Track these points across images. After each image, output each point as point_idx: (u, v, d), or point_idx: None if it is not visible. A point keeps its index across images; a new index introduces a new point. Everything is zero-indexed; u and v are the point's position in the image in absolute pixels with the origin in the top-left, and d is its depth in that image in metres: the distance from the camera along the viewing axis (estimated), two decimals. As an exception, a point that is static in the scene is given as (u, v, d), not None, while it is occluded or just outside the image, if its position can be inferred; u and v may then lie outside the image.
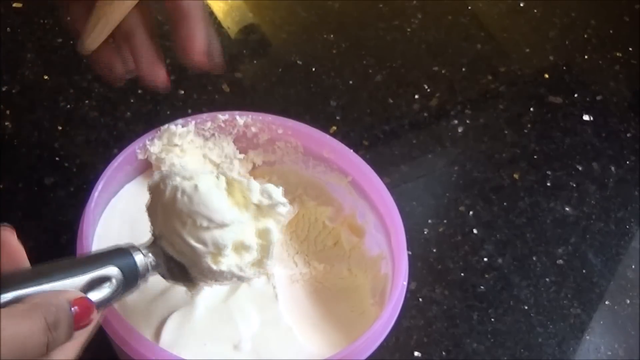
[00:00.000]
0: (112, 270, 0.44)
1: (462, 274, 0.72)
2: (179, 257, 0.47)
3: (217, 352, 0.58)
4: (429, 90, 0.87)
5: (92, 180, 0.60)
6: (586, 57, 0.94)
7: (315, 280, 0.63)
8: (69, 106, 0.78)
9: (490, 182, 0.79)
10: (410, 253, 0.65)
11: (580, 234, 0.77)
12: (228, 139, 0.66)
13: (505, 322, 0.69)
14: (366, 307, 0.62)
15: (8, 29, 0.84)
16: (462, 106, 0.86)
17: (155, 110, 0.79)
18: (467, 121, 0.84)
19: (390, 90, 0.86)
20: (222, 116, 0.65)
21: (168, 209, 0.46)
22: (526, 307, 0.70)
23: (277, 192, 0.48)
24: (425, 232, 0.74)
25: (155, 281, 0.59)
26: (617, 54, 0.95)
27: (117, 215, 0.62)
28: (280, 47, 0.89)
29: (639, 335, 0.70)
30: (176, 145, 0.63)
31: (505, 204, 0.78)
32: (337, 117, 0.81)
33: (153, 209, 0.48)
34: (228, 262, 0.47)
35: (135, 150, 0.62)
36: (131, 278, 0.46)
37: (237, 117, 0.65)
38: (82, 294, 0.40)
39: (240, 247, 0.47)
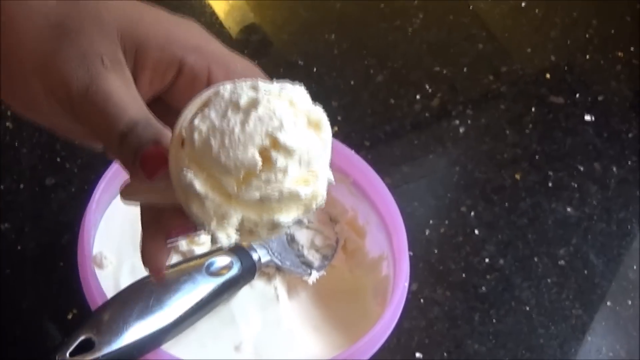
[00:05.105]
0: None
1: (464, 275, 0.72)
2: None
3: (218, 353, 0.58)
4: (430, 90, 0.86)
5: (93, 181, 0.60)
6: (588, 57, 0.94)
7: (316, 282, 0.63)
8: (70, 106, 0.78)
9: (491, 183, 0.79)
10: (411, 254, 0.65)
11: (581, 235, 0.76)
12: (229, 139, 0.66)
13: (507, 323, 0.69)
14: (368, 308, 0.62)
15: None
16: (463, 106, 0.85)
17: (156, 110, 0.79)
18: (469, 121, 0.84)
19: (391, 91, 0.86)
20: (223, 117, 0.64)
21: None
22: (527, 308, 0.70)
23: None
24: (426, 233, 0.74)
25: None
26: (619, 54, 0.94)
27: (118, 217, 0.62)
28: (281, 47, 0.89)
29: (640, 336, 0.70)
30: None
31: (506, 204, 0.78)
32: (339, 118, 0.81)
33: None
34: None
35: (136, 151, 0.62)
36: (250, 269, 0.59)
37: (238, 118, 0.65)
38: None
39: None
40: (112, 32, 0.37)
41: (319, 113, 0.35)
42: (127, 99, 0.36)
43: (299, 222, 0.56)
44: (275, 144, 0.33)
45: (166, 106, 0.40)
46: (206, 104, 0.34)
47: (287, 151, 0.33)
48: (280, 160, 0.33)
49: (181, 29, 0.39)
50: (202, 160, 0.33)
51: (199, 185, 0.33)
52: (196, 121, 0.34)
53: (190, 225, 0.37)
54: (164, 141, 0.35)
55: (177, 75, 0.39)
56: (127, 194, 0.39)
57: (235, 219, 0.34)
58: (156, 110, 0.38)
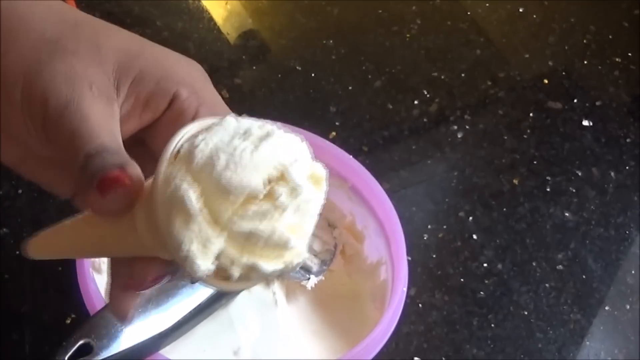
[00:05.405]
0: None
1: (462, 280, 0.72)
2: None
3: (217, 357, 0.58)
4: (428, 95, 0.87)
5: (92, 186, 0.60)
6: (585, 62, 0.94)
7: (315, 286, 0.63)
8: (68, 112, 0.78)
9: (489, 188, 0.79)
10: (410, 259, 0.65)
11: (579, 240, 0.77)
12: (227, 144, 0.66)
13: (505, 328, 0.69)
14: (366, 313, 0.62)
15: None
16: (461, 112, 0.86)
17: (154, 116, 0.79)
18: (467, 127, 0.84)
19: (389, 96, 0.86)
20: (222, 122, 0.65)
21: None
22: (526, 313, 0.70)
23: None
24: (425, 238, 0.74)
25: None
26: (617, 59, 0.95)
27: (116, 221, 0.62)
28: (279, 52, 0.89)
29: (639, 340, 0.70)
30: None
31: (504, 209, 0.78)
32: (337, 123, 0.81)
33: None
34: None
35: (134, 156, 0.62)
36: None
37: (237, 123, 0.65)
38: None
39: None
40: (108, 64, 0.36)
41: (322, 170, 0.33)
42: (104, 128, 0.35)
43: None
44: (284, 177, 0.31)
45: (143, 150, 0.38)
46: (209, 129, 0.32)
47: (293, 188, 0.31)
48: (283, 196, 0.31)
49: (181, 66, 0.38)
50: (199, 175, 0.31)
51: (193, 198, 0.30)
52: (200, 136, 0.32)
53: (136, 276, 0.34)
54: (130, 169, 0.33)
55: (166, 108, 0.38)
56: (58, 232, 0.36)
57: (217, 248, 0.31)
58: (132, 153, 0.35)
